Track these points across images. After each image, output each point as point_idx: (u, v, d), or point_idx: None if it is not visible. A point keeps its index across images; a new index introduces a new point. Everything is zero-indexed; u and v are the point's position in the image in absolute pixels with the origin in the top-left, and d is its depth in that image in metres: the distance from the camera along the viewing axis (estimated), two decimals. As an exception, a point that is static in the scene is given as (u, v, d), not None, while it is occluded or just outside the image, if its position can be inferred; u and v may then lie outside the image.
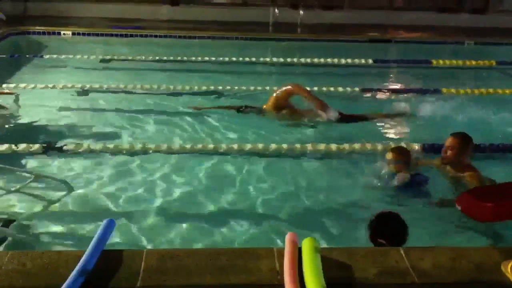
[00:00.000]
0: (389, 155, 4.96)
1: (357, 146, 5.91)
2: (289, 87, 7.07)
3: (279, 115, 6.93)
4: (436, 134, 6.59)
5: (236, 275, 2.81)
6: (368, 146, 5.92)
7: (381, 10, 14.74)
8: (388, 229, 3.50)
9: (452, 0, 15.40)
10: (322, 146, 5.88)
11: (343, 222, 4.45)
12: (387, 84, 9.53)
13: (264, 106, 7.05)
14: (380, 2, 15.22)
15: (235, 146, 5.80)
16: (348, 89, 8.38)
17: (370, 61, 10.51)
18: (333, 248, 3.08)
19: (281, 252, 2.93)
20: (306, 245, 2.91)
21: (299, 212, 4.56)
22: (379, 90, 8.72)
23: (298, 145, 5.89)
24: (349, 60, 10.42)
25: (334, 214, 4.55)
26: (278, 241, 3.94)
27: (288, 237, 3.01)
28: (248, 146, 5.81)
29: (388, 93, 8.64)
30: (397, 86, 9.30)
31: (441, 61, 10.53)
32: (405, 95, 8.62)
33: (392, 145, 5.57)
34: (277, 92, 7.10)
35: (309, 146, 5.87)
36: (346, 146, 5.91)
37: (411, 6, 15.23)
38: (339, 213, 4.60)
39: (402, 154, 4.94)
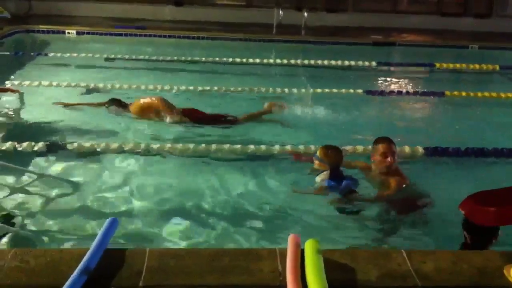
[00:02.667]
0: (318, 152, 4.89)
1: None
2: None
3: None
4: (438, 137, 6.60)
5: (238, 276, 2.81)
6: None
7: (385, 13, 14.76)
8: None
9: (456, 4, 15.40)
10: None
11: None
12: (390, 86, 9.53)
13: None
14: (384, 5, 15.23)
15: (239, 147, 5.80)
16: (351, 91, 8.39)
17: (374, 63, 10.53)
18: (335, 250, 3.07)
19: (283, 253, 2.92)
20: (309, 247, 2.91)
21: (302, 213, 4.55)
22: (382, 92, 8.74)
23: (301, 146, 5.88)
24: (352, 63, 10.45)
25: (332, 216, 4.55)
26: (281, 243, 3.93)
27: (290, 239, 3.00)
28: (251, 148, 5.81)
29: (391, 96, 8.66)
30: (400, 88, 9.29)
31: (444, 65, 10.54)
32: (408, 97, 8.63)
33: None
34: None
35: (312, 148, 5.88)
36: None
37: (415, 10, 15.25)
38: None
39: (326, 155, 4.80)
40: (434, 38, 13.36)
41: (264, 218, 4.41)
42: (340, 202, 4.61)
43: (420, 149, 5.96)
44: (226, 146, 5.80)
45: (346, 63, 10.45)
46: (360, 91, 8.43)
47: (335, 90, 8.34)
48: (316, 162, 4.82)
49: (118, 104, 6.80)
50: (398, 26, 14.15)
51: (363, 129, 6.84)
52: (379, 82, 9.67)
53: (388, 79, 10.10)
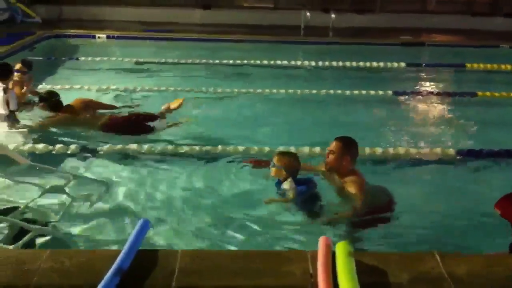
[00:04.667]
0: (274, 159, 4.70)
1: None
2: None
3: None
4: (471, 138, 6.51)
5: (269, 278, 2.81)
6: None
7: (414, 14, 14.61)
8: None
9: (486, 3, 15.17)
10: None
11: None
12: (420, 87, 9.42)
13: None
14: (412, 5, 15.10)
15: (267, 149, 5.78)
16: (380, 92, 8.33)
17: (403, 64, 10.43)
18: (366, 252, 3.06)
19: (314, 256, 2.91)
20: (340, 249, 2.89)
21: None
22: (412, 93, 8.64)
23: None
24: (381, 64, 10.37)
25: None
26: (311, 245, 3.91)
27: (321, 241, 2.99)
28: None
29: (421, 97, 8.57)
30: (430, 89, 9.18)
31: (475, 65, 10.38)
32: (439, 98, 8.54)
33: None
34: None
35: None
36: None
37: (444, 10, 15.06)
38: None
39: (281, 161, 4.62)
40: (464, 38, 13.18)
41: (294, 220, 4.39)
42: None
43: (452, 151, 5.88)
44: (256, 148, 5.81)
45: (375, 64, 10.38)
46: (389, 92, 8.36)
47: (363, 92, 8.28)
48: (273, 169, 4.64)
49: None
50: (427, 26, 13.99)
51: (391, 131, 6.79)
52: (409, 83, 9.55)
53: (418, 79, 10.00)
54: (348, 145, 4.65)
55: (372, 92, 8.31)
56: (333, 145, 4.65)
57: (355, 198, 4.43)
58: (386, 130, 6.81)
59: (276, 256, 3.01)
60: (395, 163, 5.73)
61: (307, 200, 4.52)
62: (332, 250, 2.92)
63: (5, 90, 6.47)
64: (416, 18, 14.39)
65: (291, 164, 4.59)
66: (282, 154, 4.73)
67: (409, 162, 5.77)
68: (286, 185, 4.56)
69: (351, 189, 4.49)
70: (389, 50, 12.01)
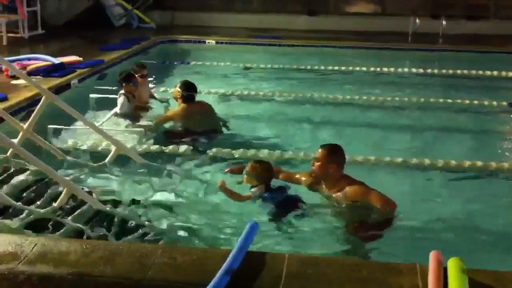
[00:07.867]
0: (247, 167, 4.61)
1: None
2: None
3: None
4: None
5: (376, 289, 2.79)
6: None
7: (532, 20, 13.76)
8: None
9: None
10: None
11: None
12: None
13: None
14: (530, 11, 14.22)
15: (428, 161, 5.64)
16: (495, 103, 7.94)
17: (520, 73, 9.89)
18: (479, 270, 2.93)
19: (424, 270, 2.86)
20: (452, 265, 2.81)
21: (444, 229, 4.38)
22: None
23: (440, 161, 5.66)
24: (495, 73, 9.89)
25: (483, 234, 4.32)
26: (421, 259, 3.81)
27: (432, 255, 2.92)
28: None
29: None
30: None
31: None
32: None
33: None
34: None
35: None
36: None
37: None
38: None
39: (252, 169, 4.54)
40: None
41: (404, 231, 4.29)
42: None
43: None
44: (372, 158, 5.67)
45: (488, 73, 9.91)
46: (504, 103, 7.95)
47: (475, 102, 7.94)
48: (245, 177, 4.60)
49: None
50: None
51: (505, 143, 6.46)
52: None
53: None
54: (333, 153, 4.46)
55: (486, 102, 7.95)
56: (318, 153, 4.49)
57: (376, 205, 4.27)
58: (500, 142, 6.50)
59: (384, 267, 2.97)
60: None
61: (279, 207, 4.48)
62: (443, 266, 2.85)
63: (128, 97, 6.82)
64: (535, 24, 13.55)
65: (262, 173, 4.58)
66: (255, 162, 4.71)
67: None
68: (254, 189, 4.57)
69: (361, 197, 4.33)
70: (504, 59, 11.39)
